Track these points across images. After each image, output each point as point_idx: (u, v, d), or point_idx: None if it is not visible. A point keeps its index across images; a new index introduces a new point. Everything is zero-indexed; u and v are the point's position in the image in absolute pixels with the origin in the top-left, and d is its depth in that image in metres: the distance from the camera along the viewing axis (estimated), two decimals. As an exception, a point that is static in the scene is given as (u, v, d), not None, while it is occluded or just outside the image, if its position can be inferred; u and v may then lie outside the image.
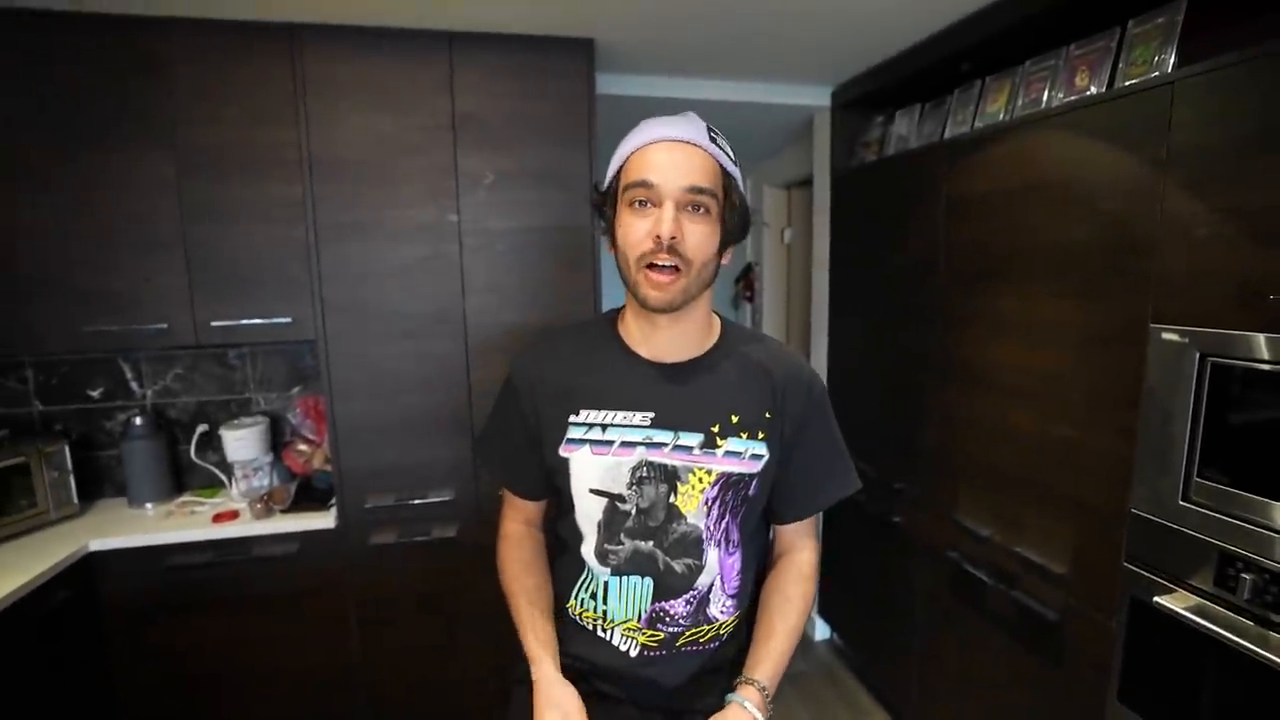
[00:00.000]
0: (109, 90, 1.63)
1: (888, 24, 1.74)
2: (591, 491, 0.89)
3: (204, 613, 1.75)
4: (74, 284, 1.69)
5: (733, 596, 0.94)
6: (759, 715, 0.84)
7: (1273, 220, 1.02)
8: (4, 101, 1.59)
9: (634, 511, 0.88)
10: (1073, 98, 1.41)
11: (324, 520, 1.81)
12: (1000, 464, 1.64)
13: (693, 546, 0.88)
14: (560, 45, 1.77)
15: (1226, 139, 1.08)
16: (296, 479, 2.00)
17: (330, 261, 1.73)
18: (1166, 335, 1.18)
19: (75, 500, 1.86)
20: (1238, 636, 1.06)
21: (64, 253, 1.67)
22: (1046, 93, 1.50)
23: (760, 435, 0.88)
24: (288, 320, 1.78)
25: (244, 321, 1.77)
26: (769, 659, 0.89)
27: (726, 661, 0.95)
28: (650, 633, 0.91)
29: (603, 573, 0.91)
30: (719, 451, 0.87)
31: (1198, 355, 1.12)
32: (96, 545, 1.68)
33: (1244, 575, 1.07)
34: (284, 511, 1.85)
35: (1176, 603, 1.16)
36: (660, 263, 0.80)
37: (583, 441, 0.88)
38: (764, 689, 0.86)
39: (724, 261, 0.88)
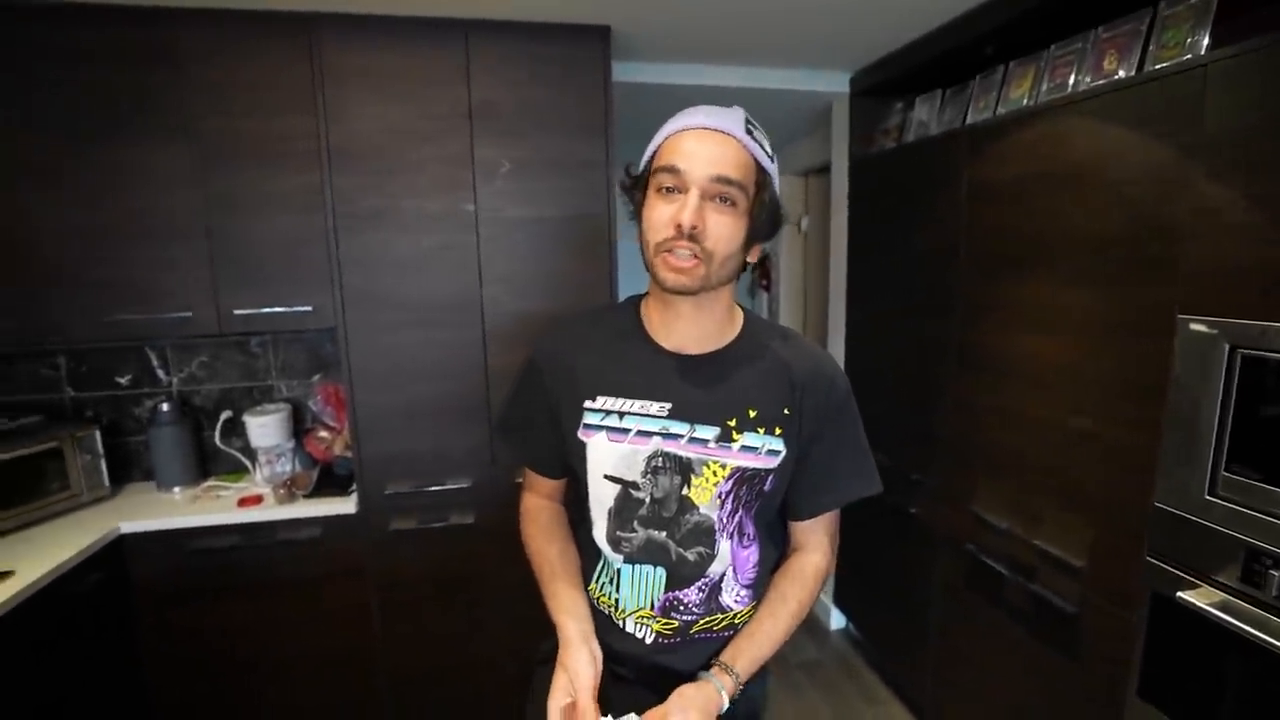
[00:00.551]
0: (126, 83, 1.66)
1: (907, 8, 1.71)
2: (606, 477, 0.89)
3: (230, 595, 1.80)
4: (98, 274, 1.72)
5: (748, 587, 0.94)
6: (723, 691, 0.85)
7: (1309, 207, 0.99)
8: (22, 96, 1.62)
9: (648, 500, 0.88)
10: (1100, 82, 1.37)
11: (345, 506, 1.84)
12: (1020, 455, 1.62)
13: (705, 536, 0.89)
14: (576, 33, 1.76)
15: (1262, 124, 1.05)
16: (318, 465, 2.04)
17: (349, 250, 1.74)
18: (1195, 326, 1.15)
19: (107, 483, 1.91)
20: (1265, 634, 1.04)
21: (88, 244, 1.71)
22: (1073, 77, 1.46)
23: (777, 431, 0.88)
24: (308, 308, 1.80)
25: (265, 310, 1.80)
26: (749, 650, 0.89)
27: None
28: (664, 620, 0.91)
29: (616, 559, 0.91)
30: (735, 446, 0.86)
31: (1227, 347, 1.10)
32: (127, 528, 1.72)
33: (1272, 571, 1.05)
34: (306, 497, 1.89)
35: (1201, 598, 1.14)
36: (679, 250, 0.79)
37: (600, 428, 0.88)
38: (736, 674, 0.87)
39: (750, 260, 0.86)
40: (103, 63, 1.64)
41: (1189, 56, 1.20)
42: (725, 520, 0.89)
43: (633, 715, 0.81)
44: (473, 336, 1.82)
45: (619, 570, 0.92)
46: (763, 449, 0.87)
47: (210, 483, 2.03)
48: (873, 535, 2.37)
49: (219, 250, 1.77)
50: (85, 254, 1.71)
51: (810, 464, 0.91)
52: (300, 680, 1.88)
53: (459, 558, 1.90)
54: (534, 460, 1.00)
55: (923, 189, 1.96)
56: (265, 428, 1.99)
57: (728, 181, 0.78)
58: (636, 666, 0.92)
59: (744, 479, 0.87)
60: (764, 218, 0.83)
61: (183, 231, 1.74)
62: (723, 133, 0.79)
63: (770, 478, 0.88)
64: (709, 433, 0.86)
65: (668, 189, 0.80)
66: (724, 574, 0.91)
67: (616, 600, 0.93)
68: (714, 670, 0.86)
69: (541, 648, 1.02)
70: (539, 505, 1.03)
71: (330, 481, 1.97)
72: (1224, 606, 1.11)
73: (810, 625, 2.77)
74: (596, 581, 0.95)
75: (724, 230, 0.79)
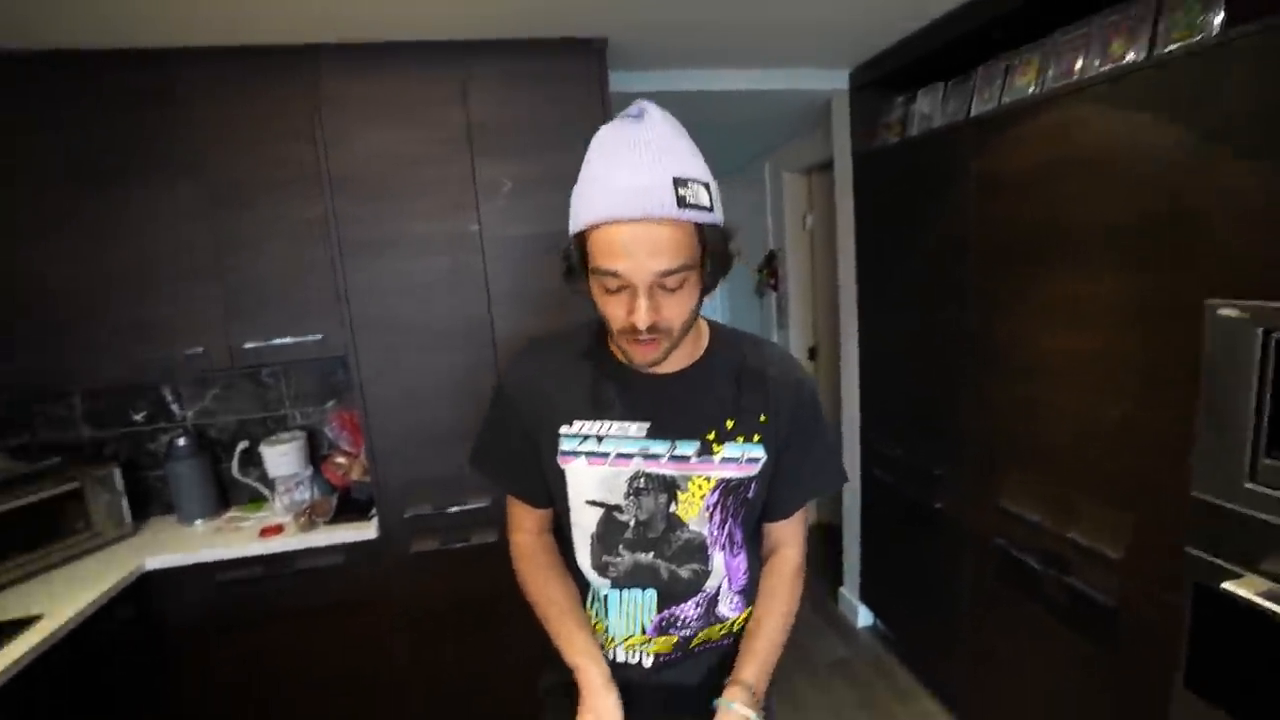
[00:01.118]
0: (131, 124, 1.67)
1: (904, 1, 1.69)
2: (588, 503, 0.88)
3: (256, 626, 1.79)
4: (110, 316, 1.74)
5: (740, 593, 0.94)
6: (750, 713, 0.83)
7: (1338, 185, 0.97)
8: (29, 140, 1.64)
9: (632, 523, 0.87)
10: (1108, 67, 1.35)
11: (366, 531, 1.83)
12: (1048, 448, 1.59)
13: (698, 552, 0.88)
14: (573, 47, 1.75)
15: (1286, 101, 1.03)
16: (336, 491, 2.03)
17: (356, 277, 1.74)
18: (1224, 311, 1.12)
19: (129, 520, 1.91)
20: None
21: (99, 286, 1.72)
22: (1080, 62, 1.44)
23: (756, 438, 0.88)
24: (318, 337, 1.80)
25: (276, 341, 1.80)
26: (755, 659, 0.88)
27: None
28: (662, 640, 0.90)
29: (602, 585, 0.90)
30: (716, 458, 0.86)
31: (1260, 331, 1.07)
32: (152, 564, 1.73)
33: (1318, 558, 1.02)
34: (327, 524, 1.88)
35: (1247, 589, 1.11)
36: (641, 339, 0.77)
37: (577, 453, 0.87)
38: (750, 688, 0.85)
39: (708, 300, 0.84)
40: (107, 107, 1.65)
41: (1200, 37, 1.17)
42: (716, 533, 0.88)
43: None
44: (485, 357, 1.81)
45: (606, 597, 0.90)
46: (743, 458, 0.87)
47: (231, 514, 2.04)
48: (896, 531, 2.34)
49: (227, 285, 1.77)
50: (99, 297, 1.72)
51: (786, 466, 0.91)
52: (329, 706, 1.87)
53: (481, 577, 1.88)
54: (519, 488, 0.96)
55: (929, 182, 1.94)
56: (282, 456, 1.99)
57: (672, 271, 0.73)
58: (641, 688, 0.91)
59: (729, 489, 0.87)
60: (716, 270, 0.79)
61: (191, 269, 1.75)
62: (654, 221, 0.71)
63: (753, 484, 0.88)
64: (689, 448, 0.86)
65: (610, 290, 0.76)
66: (720, 586, 0.91)
67: (606, 628, 0.92)
68: (729, 692, 0.85)
69: (548, 677, 1.00)
70: (533, 545, 0.98)
71: (350, 507, 1.97)
72: (1272, 596, 1.08)
73: (837, 623, 2.74)
74: (590, 607, 0.94)
75: (678, 307, 0.77)
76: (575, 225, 0.77)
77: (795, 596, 0.94)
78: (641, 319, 0.74)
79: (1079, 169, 1.41)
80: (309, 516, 1.88)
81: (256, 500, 2.11)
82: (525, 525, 0.99)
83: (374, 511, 1.88)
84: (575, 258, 0.79)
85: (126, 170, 1.68)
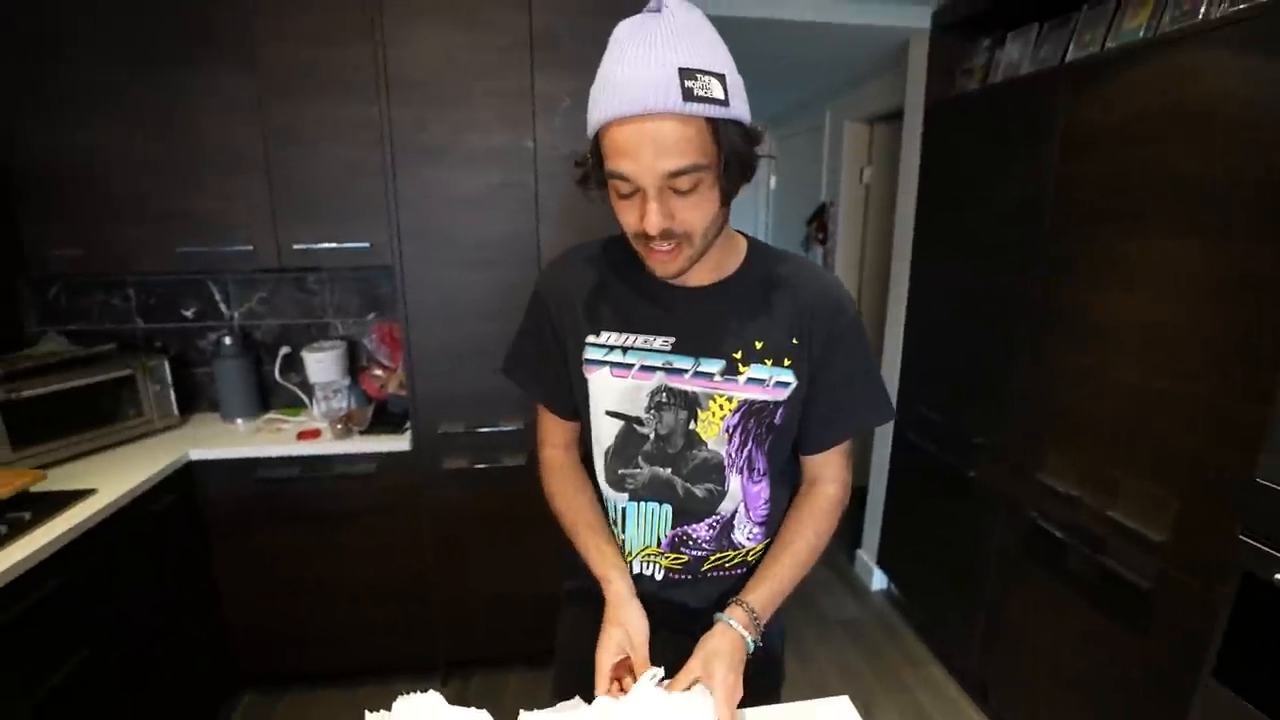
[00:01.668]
0: (188, 11, 1.64)
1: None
2: (608, 414, 0.87)
3: (291, 522, 1.87)
4: (163, 205, 1.76)
5: (760, 524, 0.92)
6: (746, 635, 0.81)
7: None
8: (88, 23, 1.62)
9: (652, 436, 0.86)
10: (1241, 6, 1.21)
11: (399, 443, 1.87)
12: (1101, 422, 1.52)
13: (714, 472, 0.86)
14: (644, -44, 1.65)
15: None
16: (372, 402, 2.07)
17: (406, 186, 1.71)
18: (1332, 286, 1.04)
19: (176, 412, 1.98)
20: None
21: (152, 174, 1.74)
22: (1206, 3, 1.30)
23: (786, 362, 0.84)
24: (366, 245, 1.80)
25: (324, 245, 1.80)
26: (766, 586, 0.85)
27: None
28: (673, 556, 0.90)
29: (620, 499, 0.90)
30: (741, 378, 0.83)
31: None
32: (196, 455, 1.79)
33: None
34: (362, 433, 1.93)
35: (1305, 581, 1.06)
36: (656, 244, 0.74)
37: (603, 363, 0.86)
38: (754, 612, 0.83)
39: (737, 196, 0.78)
40: None
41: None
42: (734, 455, 0.86)
43: (658, 670, 0.79)
44: (528, 276, 1.78)
45: (624, 509, 0.90)
46: (770, 381, 0.84)
47: (270, 415, 2.10)
48: (922, 498, 2.31)
49: (278, 183, 1.77)
50: (150, 185, 1.74)
51: (821, 393, 0.87)
52: (360, 602, 1.97)
53: (510, 497, 1.92)
54: (550, 397, 0.95)
55: (1010, 135, 1.81)
56: (322, 364, 2.03)
57: (681, 172, 0.68)
58: (647, 604, 0.91)
59: (751, 412, 0.84)
60: (735, 170, 0.73)
61: (243, 164, 1.74)
62: (659, 116, 0.66)
63: (780, 410, 0.85)
64: (714, 366, 0.83)
65: (622, 194, 0.72)
66: (735, 511, 0.89)
67: (623, 540, 0.92)
68: (730, 610, 0.83)
69: (566, 584, 1.02)
70: (561, 460, 0.99)
71: (384, 419, 2.01)
72: (1332, 590, 1.03)
73: (851, 583, 2.76)
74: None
75: (694, 211, 0.72)
76: (590, 129, 0.73)
77: (823, 532, 0.91)
78: (652, 223, 0.70)
79: (1185, 123, 1.29)
80: (345, 424, 1.92)
81: (295, 405, 2.17)
82: (555, 439, 0.99)
83: (408, 425, 1.91)
84: (592, 163, 0.75)
85: (180, 54, 1.67)
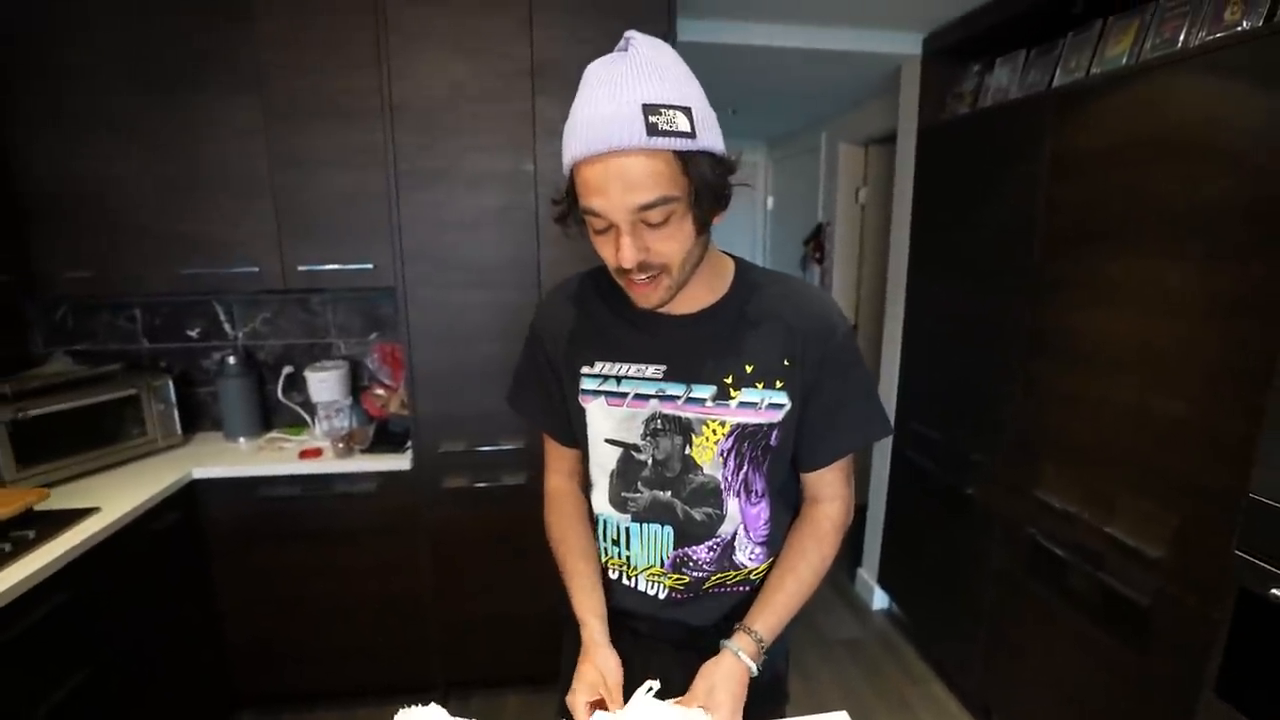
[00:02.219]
0: (197, 38, 1.69)
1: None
2: (607, 441, 0.88)
3: (292, 541, 1.88)
4: (170, 228, 1.80)
5: (762, 544, 0.92)
6: (751, 665, 0.81)
7: None
8: (98, 49, 1.68)
9: (650, 462, 0.87)
10: (1219, 34, 1.25)
11: (400, 462, 1.88)
12: (1095, 440, 1.54)
13: (711, 496, 0.87)
14: (642, -13, 1.70)
15: None
16: (374, 422, 2.09)
17: (409, 208, 1.75)
18: (1314, 304, 1.06)
19: (179, 431, 2.00)
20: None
21: (160, 198, 1.78)
22: (1185, 31, 1.34)
23: (778, 384, 0.84)
24: (369, 266, 1.83)
25: (328, 267, 1.84)
26: (771, 612, 0.86)
27: None
28: (676, 576, 0.91)
29: (623, 519, 0.91)
30: (733, 403, 0.84)
31: (1352, 327, 1.01)
32: (199, 473, 1.81)
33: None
34: (363, 452, 1.94)
35: (1298, 595, 1.07)
36: (635, 279, 0.75)
37: (598, 393, 0.87)
38: (760, 640, 0.83)
39: (716, 223, 0.79)
40: (182, 14, 1.68)
41: (1328, 5, 1.08)
42: (730, 478, 0.87)
43: (654, 683, 0.80)
44: (529, 297, 1.81)
45: (627, 529, 0.91)
46: (763, 403, 0.84)
47: (273, 434, 2.11)
48: (923, 515, 2.32)
49: (283, 206, 1.81)
50: (158, 208, 1.78)
51: (816, 411, 0.87)
52: (359, 622, 1.96)
53: (509, 518, 1.93)
54: (553, 427, 0.97)
55: (1000, 158, 1.85)
56: (325, 383, 2.05)
57: (650, 205, 0.69)
58: (650, 621, 0.92)
59: (745, 435, 0.85)
60: (709, 198, 0.73)
61: (250, 186, 1.78)
62: (624, 152, 0.67)
63: (775, 432, 0.86)
64: (705, 391, 0.84)
65: (597, 230, 0.74)
66: (735, 533, 0.90)
67: (628, 558, 0.92)
68: (737, 638, 0.84)
69: (565, 610, 1.02)
70: (564, 490, 1.01)
71: (386, 438, 2.02)
72: (1325, 605, 1.04)
73: (852, 602, 2.75)
74: (601, 545, 0.95)
75: (668, 242, 0.73)
76: (564, 168, 0.75)
77: (826, 554, 0.91)
78: (626, 257, 0.71)
79: (1169, 148, 1.32)
80: (347, 443, 1.94)
81: (297, 424, 2.18)
82: (560, 467, 1.01)
83: (409, 444, 1.92)
84: (568, 201, 0.77)
85: (190, 83, 1.72)
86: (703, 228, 0.76)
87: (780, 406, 0.85)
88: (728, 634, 0.89)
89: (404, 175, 1.73)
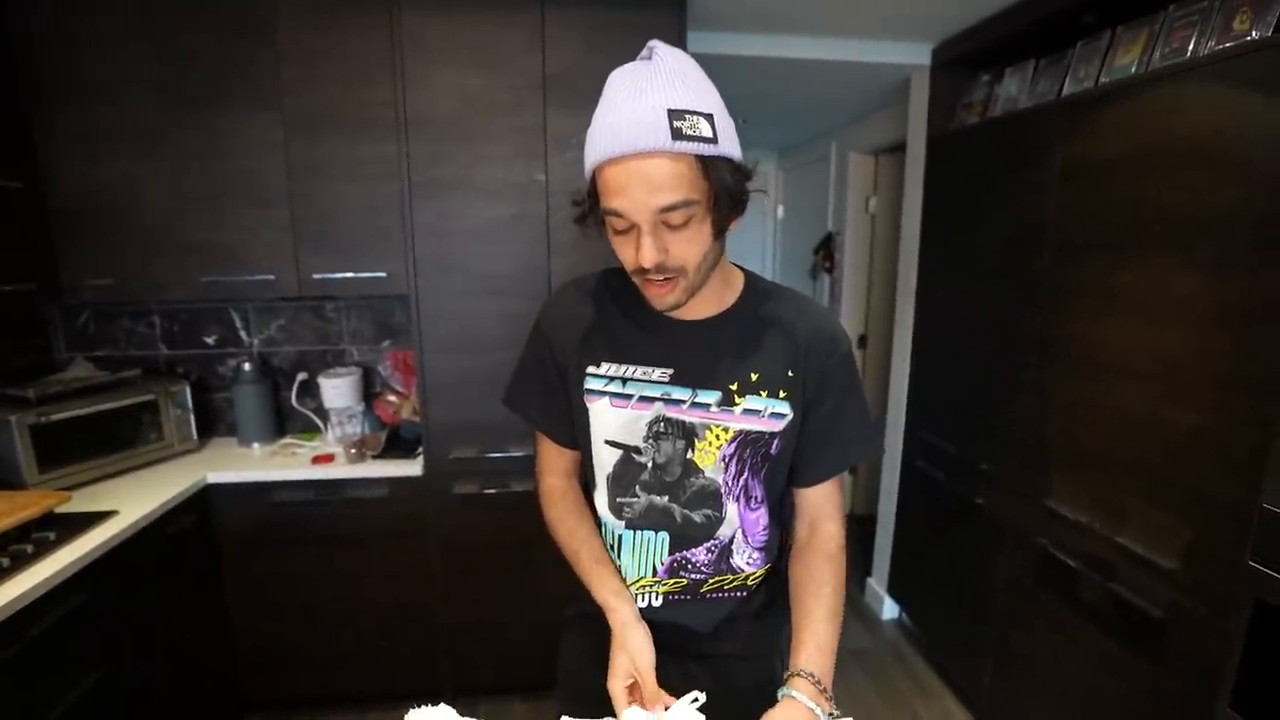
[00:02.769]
0: (218, 53, 1.74)
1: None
2: (607, 443, 0.89)
3: (304, 545, 1.90)
4: (191, 237, 1.84)
5: (759, 550, 0.93)
6: (814, 707, 0.78)
7: None
8: (126, 66, 1.73)
9: (650, 465, 0.87)
10: (1228, 44, 1.26)
11: (412, 468, 1.90)
12: (1105, 449, 1.53)
13: (711, 499, 0.88)
14: (653, 2, 1.73)
15: None
16: (386, 428, 2.11)
17: (423, 218, 1.78)
18: (1326, 313, 1.05)
19: (195, 436, 2.03)
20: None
21: (181, 207, 1.82)
22: (1194, 41, 1.34)
23: (781, 394, 0.86)
24: (383, 274, 1.86)
25: (342, 275, 1.87)
26: (816, 648, 0.82)
27: (757, 608, 0.94)
28: (672, 580, 0.91)
29: (617, 526, 0.91)
30: (737, 409, 0.85)
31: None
32: (213, 478, 1.83)
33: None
34: (375, 458, 1.96)
35: (1313, 607, 1.06)
36: (653, 279, 0.76)
37: (602, 393, 0.87)
38: (818, 681, 0.80)
39: (732, 229, 0.81)
40: (206, 31, 1.73)
41: (1337, 15, 1.08)
42: (730, 484, 0.88)
43: (700, 695, 0.80)
44: (540, 306, 1.83)
45: (620, 537, 0.91)
46: (766, 412, 0.85)
47: (286, 440, 2.14)
48: (933, 525, 2.30)
49: (300, 216, 1.85)
50: (179, 217, 1.82)
51: (816, 427, 0.88)
52: (368, 627, 1.98)
53: (518, 524, 1.93)
54: (551, 426, 0.97)
55: (1009, 167, 1.85)
56: (338, 389, 2.08)
57: (672, 207, 0.71)
58: (650, 630, 0.91)
59: (747, 442, 0.86)
60: (727, 204, 0.75)
61: (268, 197, 1.82)
62: (650, 155, 0.69)
63: (776, 441, 0.87)
64: (710, 397, 0.85)
65: (618, 230, 0.75)
66: (734, 536, 0.90)
67: (619, 567, 0.93)
68: (791, 683, 0.80)
69: (567, 611, 1.03)
70: (560, 487, 1.00)
71: (397, 444, 2.05)
72: (1341, 618, 1.03)
73: (862, 612, 2.72)
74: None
75: (687, 245, 0.75)
76: (586, 170, 0.77)
77: (842, 576, 0.91)
78: (647, 257, 0.73)
79: (1179, 156, 1.32)
80: (359, 449, 1.96)
81: (310, 430, 2.21)
82: (555, 467, 1.00)
83: (420, 450, 1.94)
84: (589, 203, 0.79)
85: (209, 98, 1.77)
86: (720, 232, 0.78)
87: (782, 416, 0.86)
88: (724, 636, 0.90)
89: (417, 185, 1.76)
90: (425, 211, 1.78)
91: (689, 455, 0.86)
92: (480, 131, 1.75)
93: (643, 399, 0.86)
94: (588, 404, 0.89)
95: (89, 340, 2.13)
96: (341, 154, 1.81)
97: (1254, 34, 1.21)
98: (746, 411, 0.85)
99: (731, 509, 0.89)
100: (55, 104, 1.73)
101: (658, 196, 0.70)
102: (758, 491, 0.90)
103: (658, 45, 0.74)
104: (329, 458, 1.96)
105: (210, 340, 2.19)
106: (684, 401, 0.85)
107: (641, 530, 0.90)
